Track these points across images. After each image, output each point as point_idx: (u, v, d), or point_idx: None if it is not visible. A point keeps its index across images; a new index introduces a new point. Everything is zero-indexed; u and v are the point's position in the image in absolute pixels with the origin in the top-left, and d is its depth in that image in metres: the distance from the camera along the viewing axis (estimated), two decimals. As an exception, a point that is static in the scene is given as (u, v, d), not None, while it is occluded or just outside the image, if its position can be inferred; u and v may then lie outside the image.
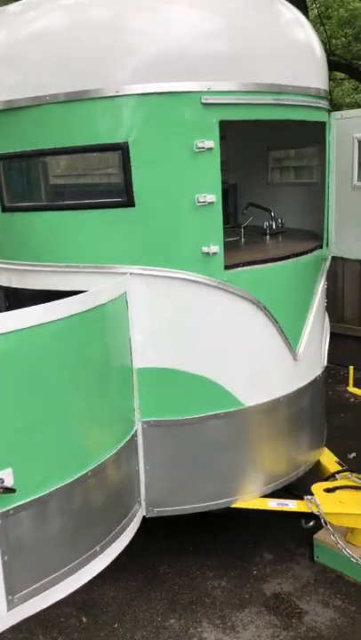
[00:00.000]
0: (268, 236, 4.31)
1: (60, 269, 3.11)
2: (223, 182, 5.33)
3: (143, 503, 3.32)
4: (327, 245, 3.76)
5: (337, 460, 3.92)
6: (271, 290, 3.30)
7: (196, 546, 3.99)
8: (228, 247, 3.81)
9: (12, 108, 2.96)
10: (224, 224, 4.66)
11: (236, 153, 5.06)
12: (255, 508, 3.45)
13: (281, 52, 3.09)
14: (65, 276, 3.10)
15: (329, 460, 3.91)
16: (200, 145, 2.90)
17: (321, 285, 3.67)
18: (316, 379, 3.75)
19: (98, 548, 2.83)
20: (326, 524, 3.32)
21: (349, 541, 3.60)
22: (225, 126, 4.92)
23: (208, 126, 2.91)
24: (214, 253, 3.04)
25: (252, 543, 4.00)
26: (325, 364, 3.93)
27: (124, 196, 2.94)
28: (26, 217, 3.15)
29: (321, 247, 3.74)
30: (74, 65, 2.84)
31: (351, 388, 3.56)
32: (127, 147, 2.88)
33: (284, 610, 3.41)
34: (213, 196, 2.97)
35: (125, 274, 3.01)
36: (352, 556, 3.27)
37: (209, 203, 2.97)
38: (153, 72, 2.82)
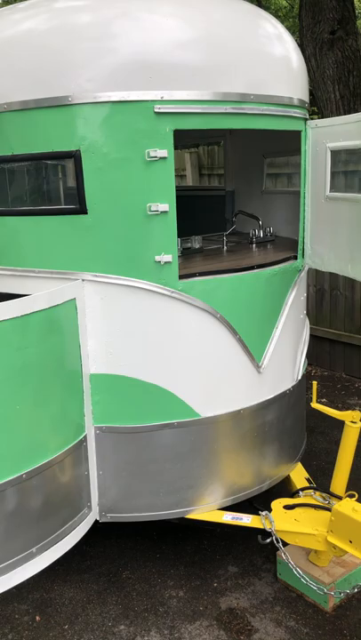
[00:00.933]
0: (253, 245, 4.25)
1: (19, 273, 3.17)
2: (220, 189, 5.36)
3: (96, 508, 3.35)
4: (303, 256, 3.68)
5: (307, 476, 3.83)
6: (230, 301, 3.26)
7: (163, 553, 3.99)
8: (203, 255, 3.83)
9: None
10: (219, 230, 4.71)
11: (234, 160, 5.03)
12: (209, 520, 3.41)
13: (243, 61, 3.05)
14: (23, 280, 3.16)
15: (298, 476, 3.82)
16: (152, 154, 2.90)
17: (293, 297, 3.60)
18: (285, 392, 3.68)
19: (34, 550, 2.87)
20: (278, 542, 3.25)
21: (312, 561, 3.51)
22: (223, 133, 4.95)
23: (161, 135, 2.91)
24: (167, 262, 3.03)
25: (220, 554, 3.96)
26: (300, 377, 3.84)
27: (77, 203, 2.97)
28: (-13, 221, 3.24)
29: (296, 258, 3.66)
30: (28, 74, 2.90)
31: (315, 404, 3.47)
32: (79, 155, 2.91)
33: (235, 626, 3.36)
34: (166, 206, 2.96)
35: (78, 280, 3.04)
36: (302, 577, 3.19)
37: (161, 212, 2.97)
38: (105, 81, 2.85)
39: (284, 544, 3.32)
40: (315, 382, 3.44)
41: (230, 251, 4.09)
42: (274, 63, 3.23)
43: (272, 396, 3.57)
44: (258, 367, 3.44)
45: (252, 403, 3.46)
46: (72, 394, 3.05)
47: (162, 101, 2.87)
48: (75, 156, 2.90)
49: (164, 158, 2.93)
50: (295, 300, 3.65)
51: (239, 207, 4.95)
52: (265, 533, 3.35)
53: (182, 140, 6.29)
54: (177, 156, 9.10)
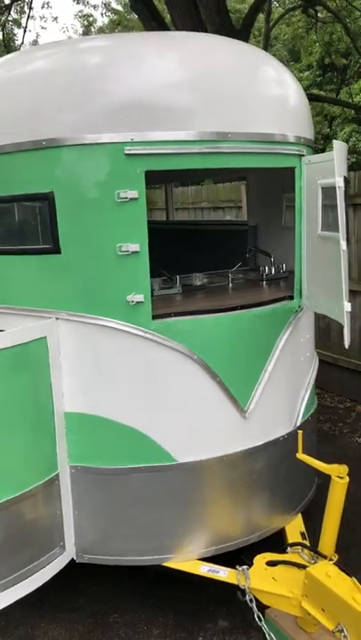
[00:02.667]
0: (264, 282, 4.13)
1: (2, 310, 3.25)
2: (242, 224, 5.26)
3: (72, 548, 3.31)
4: (300, 296, 3.52)
5: (303, 530, 3.59)
6: (208, 342, 3.16)
7: (158, 598, 3.86)
8: (204, 293, 3.76)
9: None
10: (242, 266, 4.61)
11: (258, 194, 4.93)
12: (186, 570, 3.27)
13: (218, 100, 3.00)
14: (3, 317, 3.23)
15: (293, 530, 3.59)
16: (123, 195, 2.90)
17: (286, 339, 3.43)
18: (278, 439, 3.49)
19: (-7, 588, 2.87)
20: (252, 601, 3.05)
21: (301, 626, 3.26)
22: (248, 169, 4.87)
23: (132, 177, 2.90)
24: (138, 302, 3.00)
25: (215, 606, 3.78)
26: (299, 422, 3.64)
27: (50, 242, 3.02)
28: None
29: (292, 298, 3.50)
30: (6, 120, 3.00)
31: (300, 455, 3.25)
32: (53, 196, 2.96)
33: None
34: (137, 246, 2.94)
35: (51, 318, 3.07)
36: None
37: (132, 252, 2.95)
38: (76, 125, 2.89)
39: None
40: (300, 432, 3.23)
41: (235, 288, 3.99)
42: (259, 101, 3.15)
43: (261, 442, 3.40)
44: (243, 412, 3.29)
45: (237, 449, 3.31)
46: (42, 431, 3.06)
47: (132, 143, 2.87)
48: (48, 198, 2.96)
49: (135, 199, 2.91)
50: (290, 343, 3.48)
51: (261, 242, 4.84)
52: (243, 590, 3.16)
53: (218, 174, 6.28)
54: (233, 187, 9.14)
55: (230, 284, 4.05)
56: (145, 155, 2.89)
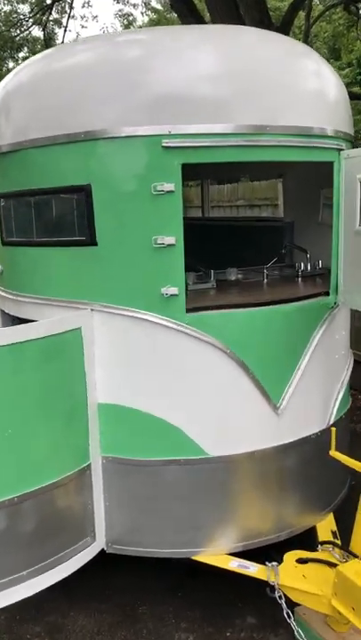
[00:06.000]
0: (299, 279, 4.09)
1: (37, 301, 3.30)
2: (278, 220, 5.21)
3: (103, 538, 3.34)
4: (336, 292, 3.47)
5: (334, 529, 3.54)
6: (242, 337, 3.14)
7: (186, 592, 3.87)
8: (238, 288, 3.75)
9: (3, 153, 3.24)
10: (278, 262, 4.58)
11: (296, 190, 4.89)
12: (215, 565, 3.27)
13: (256, 92, 2.98)
14: (39, 308, 3.28)
15: (325, 528, 3.54)
16: (159, 188, 2.91)
17: (321, 335, 3.39)
18: (310, 436, 3.45)
19: (25, 573, 2.92)
20: (281, 598, 3.02)
21: (330, 624, 3.22)
22: (285, 165, 4.84)
23: (169, 169, 2.91)
24: (173, 295, 3.00)
25: (244, 602, 3.76)
26: (332, 421, 3.59)
27: (87, 235, 3.05)
28: (14, 251, 3.41)
29: (327, 294, 3.46)
30: (47, 113, 3.04)
31: (333, 453, 3.20)
32: (90, 188, 2.99)
33: None
34: (173, 238, 2.95)
35: (86, 309, 3.10)
36: (304, 640, 2.94)
37: (168, 245, 2.95)
38: (115, 118, 2.91)
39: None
40: (333, 429, 3.19)
41: (270, 284, 3.96)
42: (297, 94, 3.12)
43: (293, 439, 3.37)
44: (275, 408, 3.27)
45: (268, 445, 3.29)
46: (74, 421, 3.09)
47: (169, 135, 2.88)
48: (85, 190, 2.99)
49: (171, 192, 2.92)
50: (325, 339, 3.44)
51: (297, 239, 4.79)
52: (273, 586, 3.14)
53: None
54: (269, 185, 9.09)
55: (265, 280, 4.02)
56: (182, 147, 2.90)
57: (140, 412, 3.15)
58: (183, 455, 3.18)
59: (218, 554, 3.31)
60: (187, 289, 3.67)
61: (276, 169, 4.95)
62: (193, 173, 6.41)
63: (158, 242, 2.95)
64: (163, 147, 2.88)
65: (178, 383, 3.14)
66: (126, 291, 3.06)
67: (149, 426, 3.17)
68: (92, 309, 3.10)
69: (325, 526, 3.59)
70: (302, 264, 4.16)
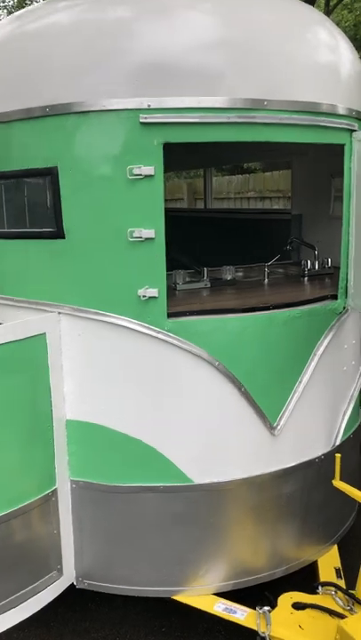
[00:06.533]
0: (305, 279, 3.64)
1: (2, 301, 2.89)
2: (285, 212, 4.75)
3: (72, 571, 2.94)
4: (345, 296, 3.02)
5: (338, 566, 3.11)
6: (233, 346, 2.71)
7: (171, 626, 3.42)
8: (235, 288, 3.32)
9: None
10: (282, 258, 4.13)
11: (305, 180, 4.42)
12: (198, 607, 2.85)
13: (254, 61, 2.53)
14: (3, 310, 2.87)
15: (327, 564, 3.11)
16: (136, 172, 2.47)
17: (327, 345, 2.94)
18: (314, 460, 3.02)
19: (-24, 616, 2.53)
20: (269, 652, 2.60)
21: None
22: (293, 151, 4.38)
23: (147, 150, 2.48)
24: (152, 297, 2.58)
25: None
26: (338, 442, 3.15)
27: (54, 226, 2.63)
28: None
29: (335, 297, 3.01)
30: (5, 82, 2.62)
31: (337, 482, 2.77)
32: (56, 172, 2.56)
33: None
34: (152, 231, 2.52)
35: (53, 313, 2.69)
36: None
37: (146, 239, 2.52)
38: (84, 88, 2.48)
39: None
40: (338, 455, 2.75)
41: (271, 284, 3.52)
42: (304, 65, 2.66)
43: (292, 463, 2.94)
44: (272, 429, 2.83)
45: (263, 471, 2.86)
46: (39, 440, 2.69)
47: (148, 110, 2.44)
48: (51, 174, 2.57)
49: (150, 177, 2.49)
50: (332, 349, 2.99)
51: (306, 233, 4.34)
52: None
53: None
54: (282, 176, 8.59)
55: (266, 280, 3.58)
56: (163, 124, 2.46)
57: (115, 431, 2.74)
58: (163, 481, 2.76)
59: (203, 593, 2.89)
60: (175, 289, 3.26)
61: (284, 155, 4.49)
62: (195, 161, 5.96)
63: (135, 235, 2.52)
64: (141, 123, 2.45)
65: (157, 399, 2.71)
66: (98, 291, 2.64)
67: (125, 447, 2.75)
68: (59, 312, 2.69)
69: (328, 561, 3.15)
70: (309, 262, 3.70)
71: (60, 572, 2.87)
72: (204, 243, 5.14)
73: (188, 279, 3.37)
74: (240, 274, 3.87)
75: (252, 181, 9.11)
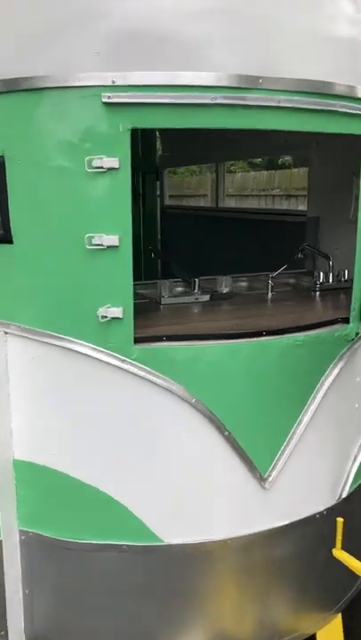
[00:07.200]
0: (316, 293, 3.13)
1: None
2: (300, 214, 4.21)
3: (22, 636, 2.49)
4: (359, 319, 2.49)
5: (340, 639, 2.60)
6: (217, 380, 2.22)
7: None
8: (220, 304, 2.83)
9: None
10: (295, 266, 3.61)
11: (324, 179, 3.88)
12: None
13: (251, 29, 2.03)
14: None
15: (328, 637, 2.60)
16: (97, 163, 2.00)
17: (333, 379, 2.43)
18: (314, 516, 2.50)
19: None
20: None
21: None
22: (309, 143, 3.83)
23: (111, 137, 2.00)
24: (115, 318, 2.10)
25: None
26: (346, 493, 2.63)
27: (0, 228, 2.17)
28: None
29: (347, 321, 2.49)
30: None
31: (337, 552, 2.26)
32: (3, 162, 2.10)
33: None
34: (114, 238, 2.04)
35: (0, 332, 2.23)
36: None
37: (108, 246, 2.04)
38: (35, 61, 2.01)
39: None
40: (340, 520, 2.24)
41: (274, 300, 3.01)
42: (311, 36, 2.14)
43: (288, 521, 2.43)
44: (262, 480, 2.33)
45: (250, 530, 2.36)
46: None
47: (113, 87, 1.96)
48: (-3, 165, 2.11)
49: (114, 170, 2.00)
50: (340, 384, 2.48)
51: (323, 239, 3.80)
52: None
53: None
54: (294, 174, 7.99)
55: (270, 294, 3.07)
56: (130, 104, 1.97)
57: (69, 477, 2.28)
58: (126, 540, 2.29)
59: (174, 672, 2.41)
60: (159, 303, 2.78)
61: (297, 149, 3.95)
62: (203, 155, 5.38)
63: (94, 242, 2.05)
64: (103, 103, 1.96)
65: (120, 442, 2.24)
66: (52, 309, 2.18)
67: (79, 496, 2.30)
68: (5, 332, 2.23)
69: (330, 634, 2.64)
70: (322, 274, 3.18)
71: (5, 636, 2.43)
72: (208, 246, 4.62)
73: (175, 291, 2.89)
74: (244, 284, 3.37)
75: (277, 178, 8.53)
